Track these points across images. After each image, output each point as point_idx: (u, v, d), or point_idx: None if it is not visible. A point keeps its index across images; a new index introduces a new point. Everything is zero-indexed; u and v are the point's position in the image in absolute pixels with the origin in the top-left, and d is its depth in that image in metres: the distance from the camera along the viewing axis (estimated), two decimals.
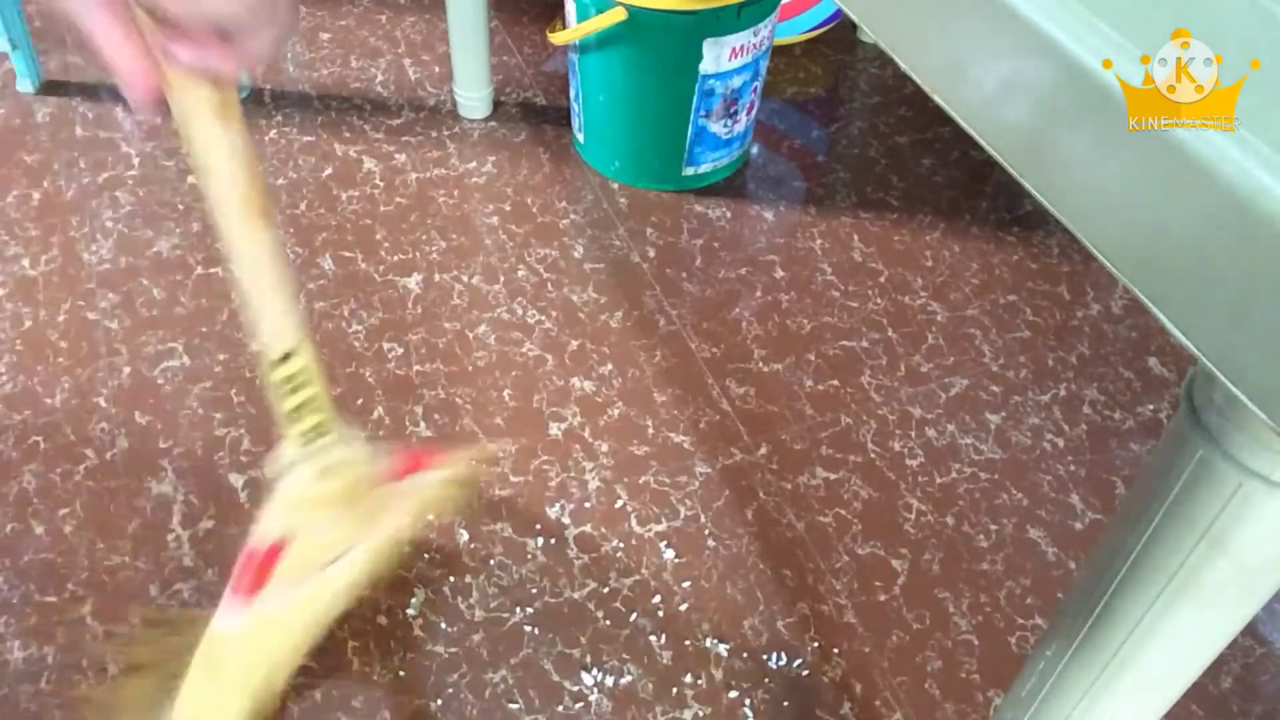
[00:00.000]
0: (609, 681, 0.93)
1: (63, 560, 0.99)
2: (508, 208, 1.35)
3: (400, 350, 1.18)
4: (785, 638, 0.97)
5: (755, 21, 1.24)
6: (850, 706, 0.93)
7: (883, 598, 1.00)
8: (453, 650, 0.95)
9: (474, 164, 1.40)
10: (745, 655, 0.95)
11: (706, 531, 1.04)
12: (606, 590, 0.99)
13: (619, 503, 1.05)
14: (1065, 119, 0.39)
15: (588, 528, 1.03)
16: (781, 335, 1.22)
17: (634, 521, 1.04)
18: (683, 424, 1.12)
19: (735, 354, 1.19)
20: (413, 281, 1.25)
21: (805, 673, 0.95)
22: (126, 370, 1.14)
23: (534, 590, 0.99)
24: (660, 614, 0.98)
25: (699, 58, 1.24)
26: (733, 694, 0.93)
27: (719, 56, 1.24)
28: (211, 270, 1.24)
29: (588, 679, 0.93)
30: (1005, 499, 1.08)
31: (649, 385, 1.16)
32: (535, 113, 1.49)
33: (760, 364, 1.18)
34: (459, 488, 0.83)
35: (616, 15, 1.21)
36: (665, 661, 0.95)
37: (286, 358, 0.61)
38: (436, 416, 1.12)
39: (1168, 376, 1.20)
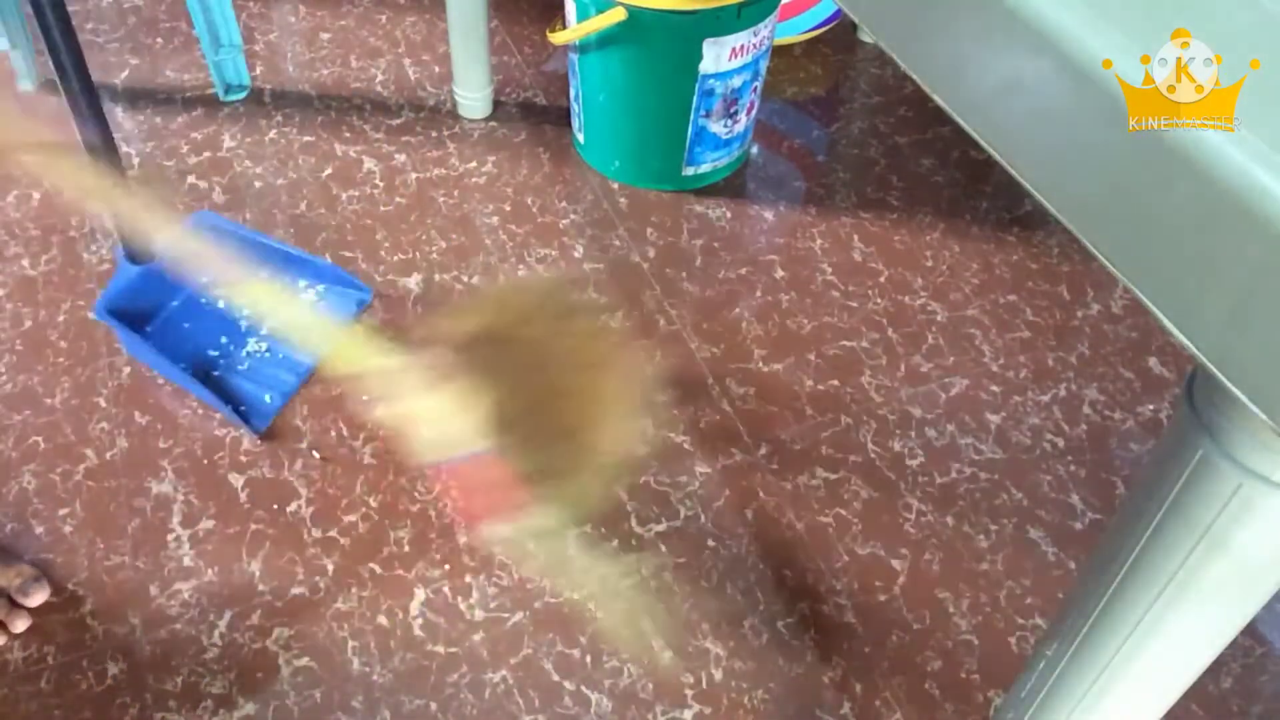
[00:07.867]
0: (609, 682, 0.93)
1: (63, 560, 0.99)
2: (508, 208, 1.35)
3: None
4: (785, 638, 0.97)
5: (755, 21, 1.24)
6: (850, 706, 0.93)
7: (883, 598, 1.00)
8: (453, 650, 0.95)
9: (474, 164, 1.40)
10: (745, 655, 0.95)
11: (706, 531, 1.04)
12: (606, 590, 0.99)
13: (619, 503, 1.05)
14: (1065, 119, 0.39)
15: (588, 527, 1.03)
16: (781, 335, 1.22)
17: (634, 521, 1.04)
18: (683, 424, 1.12)
19: (735, 354, 1.19)
20: (412, 281, 1.25)
21: (805, 672, 0.95)
22: (126, 370, 1.14)
23: (534, 590, 0.99)
24: (660, 614, 0.98)
25: (699, 58, 1.24)
26: (733, 694, 0.93)
27: (719, 56, 1.24)
28: None
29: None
30: (1005, 499, 1.08)
31: (649, 385, 1.16)
32: (535, 113, 1.49)
33: (760, 364, 1.18)
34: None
35: (616, 15, 1.21)
36: (665, 661, 0.95)
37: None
38: None
39: (1168, 376, 1.20)
